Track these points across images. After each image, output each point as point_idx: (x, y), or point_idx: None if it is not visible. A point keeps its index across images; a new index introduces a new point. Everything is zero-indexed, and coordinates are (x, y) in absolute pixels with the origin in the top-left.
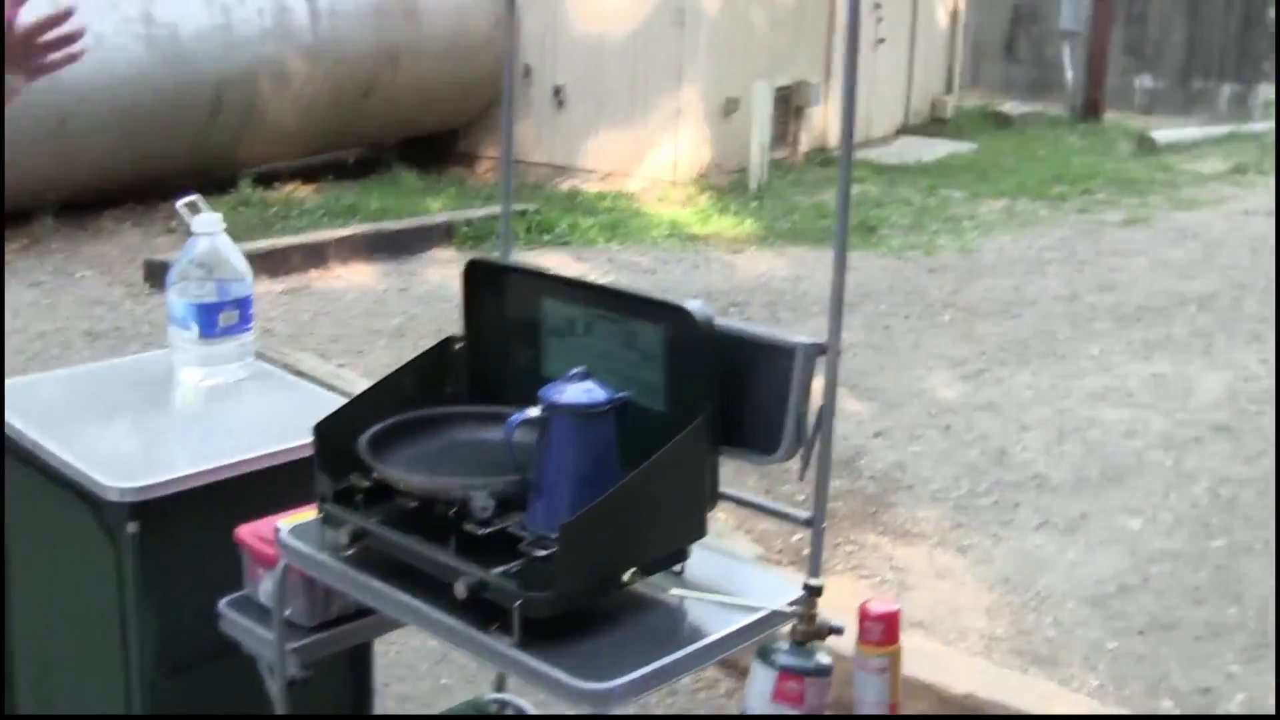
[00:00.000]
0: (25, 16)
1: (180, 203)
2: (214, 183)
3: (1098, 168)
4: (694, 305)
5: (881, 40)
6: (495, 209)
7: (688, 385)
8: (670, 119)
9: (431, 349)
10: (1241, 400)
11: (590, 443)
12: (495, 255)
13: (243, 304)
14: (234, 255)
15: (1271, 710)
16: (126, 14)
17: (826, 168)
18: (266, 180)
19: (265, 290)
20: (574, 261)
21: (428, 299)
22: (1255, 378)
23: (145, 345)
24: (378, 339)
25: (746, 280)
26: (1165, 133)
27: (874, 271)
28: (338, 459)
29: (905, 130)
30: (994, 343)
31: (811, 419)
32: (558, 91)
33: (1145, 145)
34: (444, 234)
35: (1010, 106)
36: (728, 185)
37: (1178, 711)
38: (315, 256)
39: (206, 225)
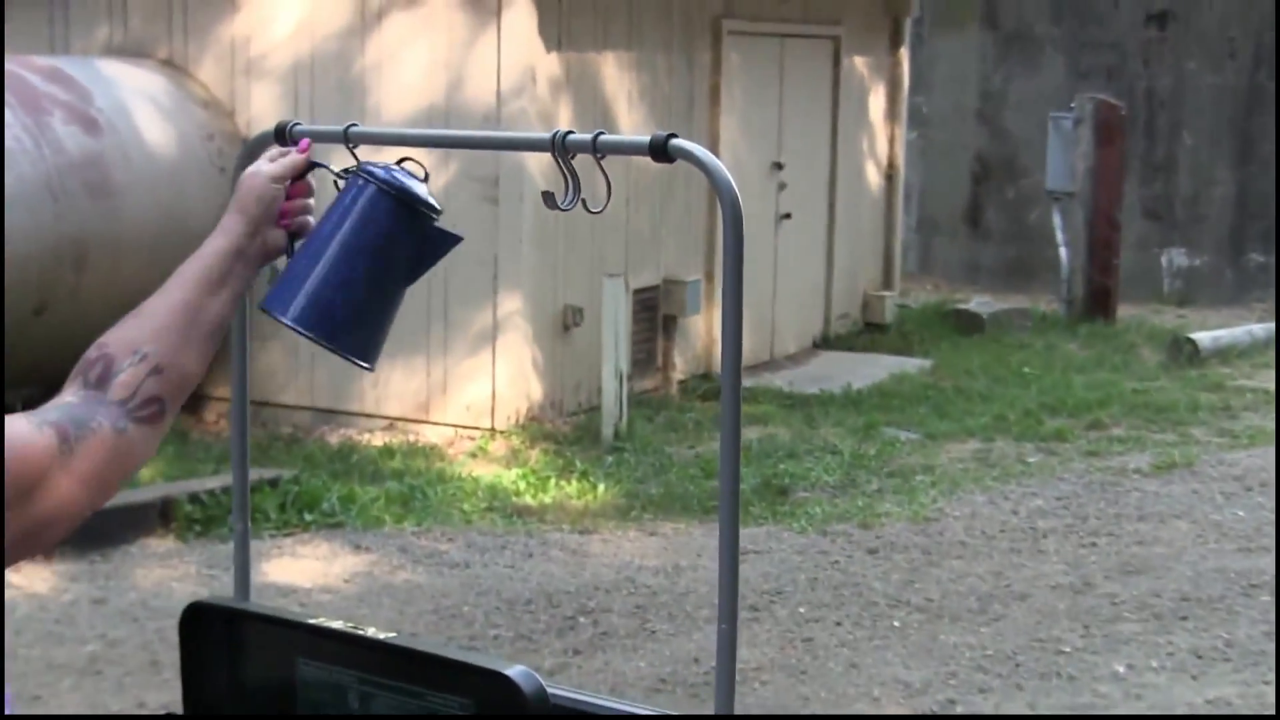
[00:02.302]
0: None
1: None
2: None
3: (1112, 389)
4: (516, 671)
5: (786, 216)
6: (231, 477)
7: None
8: (483, 340)
9: None
10: None
11: None
12: (226, 598)
13: None
14: None
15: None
16: None
17: (714, 401)
18: None
19: None
20: (349, 552)
21: (135, 614)
22: None
23: None
24: (61, 677)
25: (602, 574)
26: (1210, 333)
27: (787, 555)
28: None
29: (826, 343)
30: (968, 659)
31: None
32: None
33: (1181, 352)
34: (158, 515)
35: (978, 303)
36: (571, 433)
37: None
38: None
39: None
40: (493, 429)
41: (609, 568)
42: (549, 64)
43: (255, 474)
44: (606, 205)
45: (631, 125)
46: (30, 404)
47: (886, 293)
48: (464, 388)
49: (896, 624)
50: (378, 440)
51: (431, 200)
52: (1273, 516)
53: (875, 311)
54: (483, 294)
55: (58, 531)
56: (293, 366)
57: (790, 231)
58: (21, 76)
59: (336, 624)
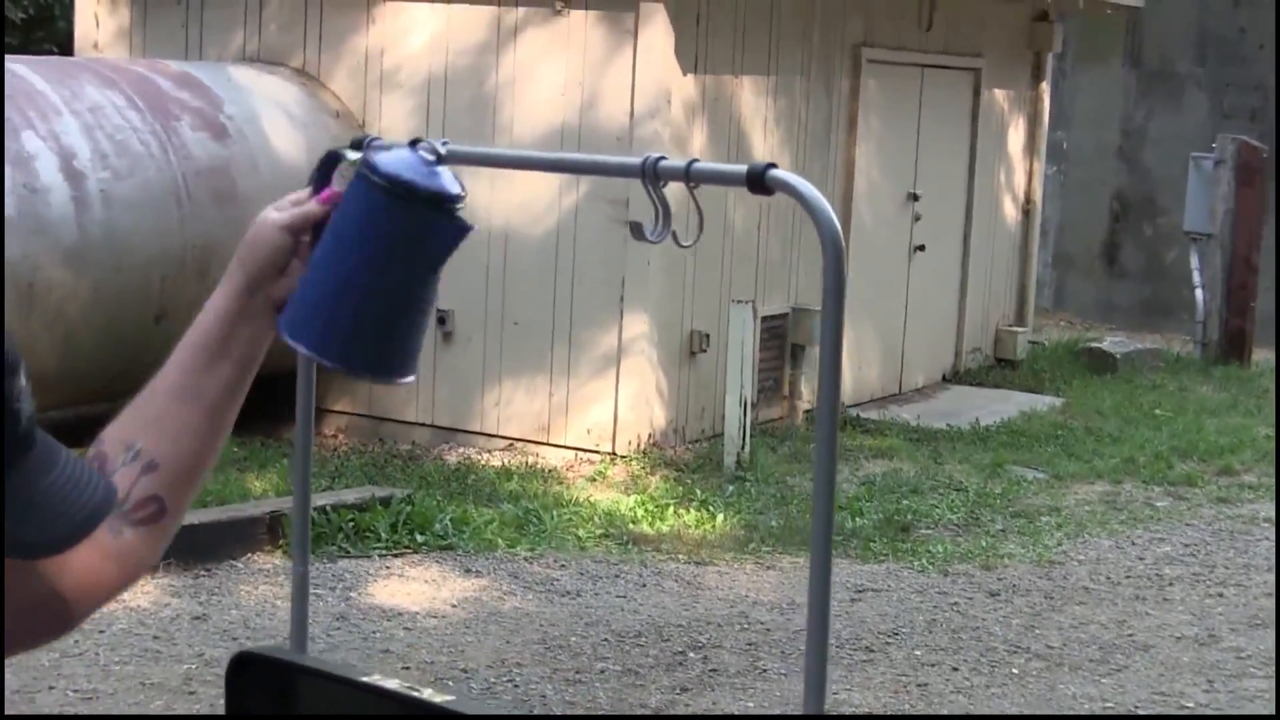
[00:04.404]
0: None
1: None
2: None
3: (1245, 434)
4: None
5: (920, 248)
6: (348, 493)
7: None
8: (607, 362)
9: None
10: None
11: None
12: (280, 645)
13: None
14: None
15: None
16: None
17: (839, 432)
18: None
19: None
20: (459, 576)
21: (236, 633)
22: None
23: None
24: (154, 697)
25: (716, 608)
26: None
27: (906, 595)
28: None
29: (956, 377)
30: (1087, 710)
31: None
32: (443, 319)
33: None
34: (268, 531)
35: (1112, 342)
36: (692, 461)
37: None
38: None
39: None
40: (613, 453)
41: (723, 601)
42: (685, 86)
43: (368, 491)
44: (699, 238)
45: (767, 151)
46: None
47: (1019, 328)
48: (586, 410)
49: (1015, 671)
50: (496, 461)
51: (438, 187)
52: None
53: (1007, 347)
54: (609, 316)
55: (43, 629)
56: (413, 383)
57: (924, 263)
58: (151, 80)
59: (392, 683)
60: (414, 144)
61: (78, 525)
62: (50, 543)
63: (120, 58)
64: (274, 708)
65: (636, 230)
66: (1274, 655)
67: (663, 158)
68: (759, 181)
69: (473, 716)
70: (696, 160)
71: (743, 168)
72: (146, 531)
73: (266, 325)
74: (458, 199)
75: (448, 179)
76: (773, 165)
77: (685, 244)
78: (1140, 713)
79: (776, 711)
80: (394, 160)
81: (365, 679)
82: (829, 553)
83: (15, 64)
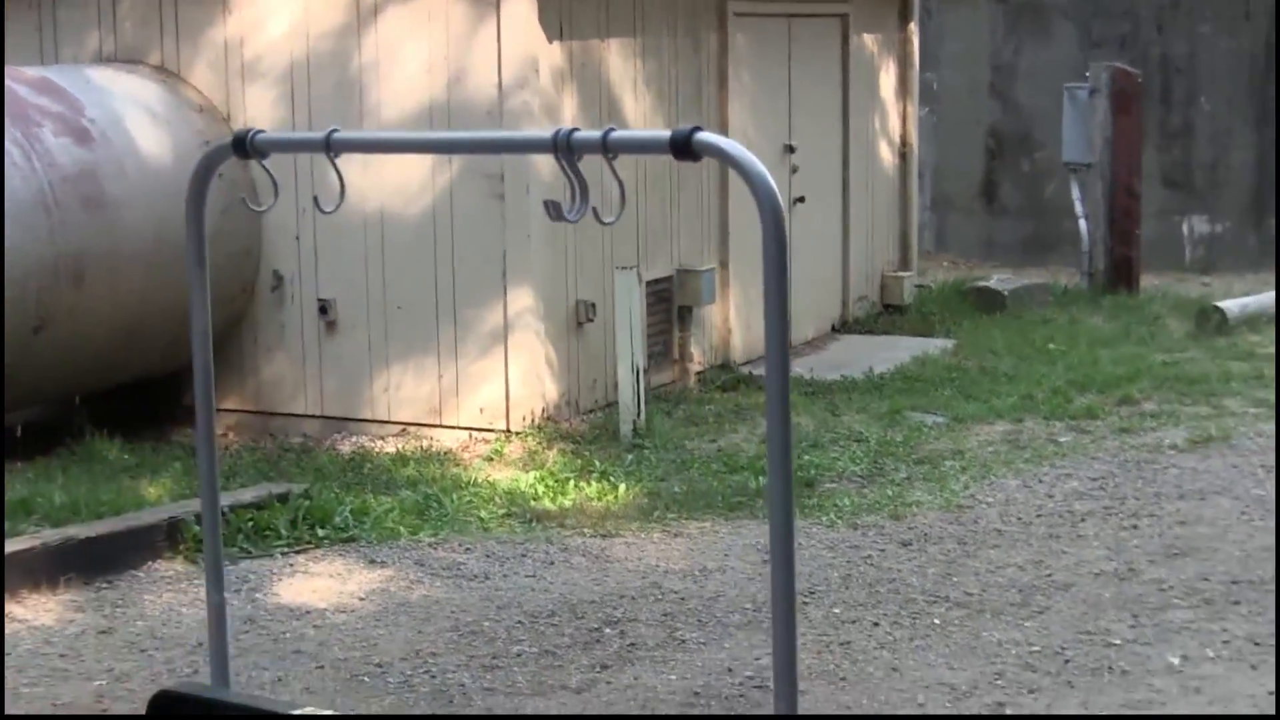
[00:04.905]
0: None
1: None
2: None
3: (1140, 363)
4: None
5: (800, 199)
6: (244, 492)
7: None
8: (494, 339)
9: None
10: None
11: None
12: (199, 682)
13: None
14: None
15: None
16: None
17: (733, 392)
18: None
19: None
20: (364, 568)
21: (144, 645)
22: None
23: None
24: (65, 712)
25: (626, 581)
26: (1236, 301)
27: (817, 551)
28: None
29: (845, 327)
30: (1014, 656)
31: None
32: (325, 308)
33: (1208, 321)
34: (167, 537)
35: (998, 280)
36: (588, 432)
37: None
38: None
39: None
40: (508, 430)
41: (634, 573)
42: (551, 54)
43: (265, 489)
44: (621, 213)
45: (639, 114)
46: (35, 431)
47: (904, 273)
48: (477, 389)
49: (936, 621)
50: (390, 447)
51: None
52: None
53: (893, 293)
54: (492, 292)
55: None
56: (300, 375)
57: (804, 215)
58: (10, 89)
59: (323, 712)
60: None
61: None
62: None
63: None
64: None
65: (554, 210)
66: (1194, 586)
67: (575, 130)
68: (684, 147)
69: None
70: (613, 129)
71: (665, 134)
72: None
73: None
74: None
75: None
76: (698, 128)
77: (607, 220)
78: (1068, 661)
79: (700, 681)
80: None
81: (297, 713)
82: (791, 550)
83: None
